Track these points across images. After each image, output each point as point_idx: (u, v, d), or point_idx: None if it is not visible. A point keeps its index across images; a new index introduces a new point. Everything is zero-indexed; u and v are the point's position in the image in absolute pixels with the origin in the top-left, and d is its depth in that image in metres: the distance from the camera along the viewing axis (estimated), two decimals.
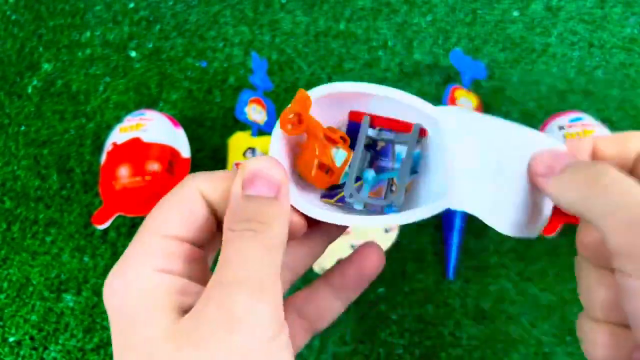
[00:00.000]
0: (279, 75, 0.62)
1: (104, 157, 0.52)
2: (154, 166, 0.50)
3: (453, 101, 0.54)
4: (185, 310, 0.20)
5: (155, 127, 0.52)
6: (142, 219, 0.54)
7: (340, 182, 0.29)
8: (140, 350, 0.19)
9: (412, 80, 0.61)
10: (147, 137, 0.51)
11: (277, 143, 0.28)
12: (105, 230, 0.54)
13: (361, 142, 0.28)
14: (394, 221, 0.27)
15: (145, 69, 0.64)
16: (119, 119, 0.60)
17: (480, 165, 0.27)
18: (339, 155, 0.28)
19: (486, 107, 0.58)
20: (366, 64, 0.62)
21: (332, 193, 0.29)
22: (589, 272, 0.23)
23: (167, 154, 0.51)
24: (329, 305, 0.28)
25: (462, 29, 0.64)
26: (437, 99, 0.59)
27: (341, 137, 0.28)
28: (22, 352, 0.49)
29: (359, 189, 0.28)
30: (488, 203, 0.26)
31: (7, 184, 0.58)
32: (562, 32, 0.63)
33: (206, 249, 0.24)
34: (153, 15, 0.68)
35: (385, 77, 0.61)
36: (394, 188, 0.28)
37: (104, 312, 0.51)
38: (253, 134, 0.54)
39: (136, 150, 0.50)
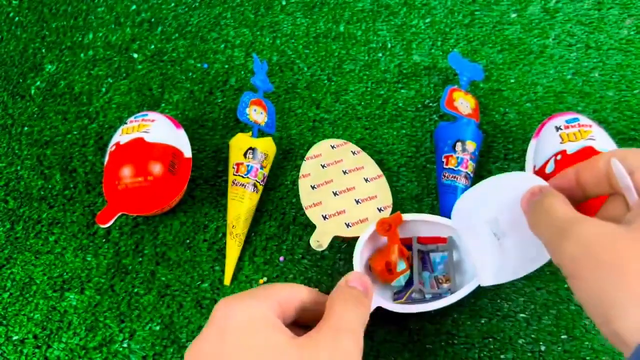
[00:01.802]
0: (279, 76, 0.63)
1: (107, 158, 0.53)
2: (156, 166, 0.51)
3: (451, 102, 0.55)
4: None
5: (157, 128, 0.53)
6: (144, 218, 0.55)
7: (394, 284, 0.46)
8: (267, 350, 0.29)
9: (410, 81, 0.62)
10: (149, 138, 0.52)
11: (367, 235, 0.47)
12: (108, 230, 0.55)
13: (415, 255, 0.47)
14: (450, 301, 0.44)
15: (147, 70, 0.64)
16: (121, 120, 0.61)
17: (481, 241, 0.43)
18: (401, 264, 0.45)
19: (484, 108, 0.59)
20: (365, 66, 0.63)
21: (399, 296, 0.46)
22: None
23: (169, 154, 0.52)
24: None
25: (460, 31, 0.65)
26: (435, 100, 0.60)
27: (407, 257, 0.46)
28: (25, 351, 0.50)
29: (423, 286, 0.46)
30: (506, 267, 0.41)
31: (11, 184, 0.59)
32: (560, 34, 0.63)
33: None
34: (155, 17, 0.68)
35: (384, 79, 0.62)
36: (441, 281, 0.46)
37: (107, 311, 0.51)
38: (254, 135, 0.55)
39: (139, 150, 0.51)
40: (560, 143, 0.49)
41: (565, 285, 0.49)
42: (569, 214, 0.30)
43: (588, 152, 0.46)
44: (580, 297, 0.27)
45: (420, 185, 0.55)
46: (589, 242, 0.26)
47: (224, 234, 0.54)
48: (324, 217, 0.50)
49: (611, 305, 0.24)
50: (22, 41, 0.67)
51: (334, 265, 0.51)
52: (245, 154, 0.54)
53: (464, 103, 0.55)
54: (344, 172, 0.53)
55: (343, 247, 0.52)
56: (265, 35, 0.66)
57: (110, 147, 0.53)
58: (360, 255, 0.46)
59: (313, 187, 0.52)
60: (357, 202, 0.51)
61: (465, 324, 0.48)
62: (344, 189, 0.52)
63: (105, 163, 0.53)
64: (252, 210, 0.53)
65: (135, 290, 0.52)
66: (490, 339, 0.48)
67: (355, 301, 0.34)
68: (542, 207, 0.32)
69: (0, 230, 0.56)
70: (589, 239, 0.26)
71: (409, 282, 0.46)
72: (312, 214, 0.50)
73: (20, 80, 0.65)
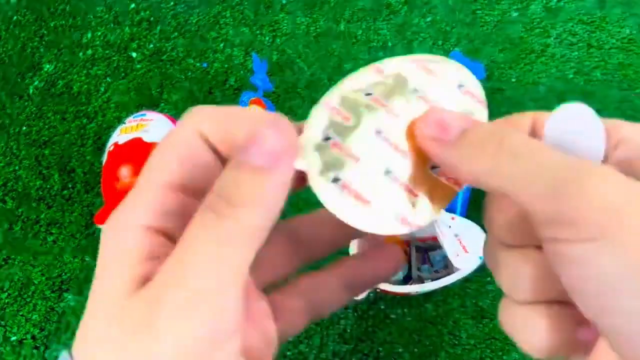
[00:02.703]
0: (279, 76, 0.63)
1: (105, 158, 0.52)
2: None
3: None
4: (147, 279, 0.18)
5: (156, 128, 0.53)
6: None
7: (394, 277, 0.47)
8: (96, 310, 0.17)
9: None
10: (148, 138, 0.51)
11: None
12: None
13: (413, 253, 0.50)
14: (448, 281, 0.46)
15: (146, 69, 0.64)
16: (120, 120, 0.60)
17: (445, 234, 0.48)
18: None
19: None
20: (366, 65, 0.62)
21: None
22: (508, 252, 0.21)
23: None
24: (335, 296, 0.25)
25: (461, 30, 0.64)
26: None
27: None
28: (23, 352, 0.50)
29: (421, 273, 0.50)
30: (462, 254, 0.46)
31: (9, 184, 0.58)
32: (561, 33, 0.63)
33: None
34: (154, 16, 0.68)
35: None
36: (441, 273, 0.48)
37: None
38: None
39: (137, 150, 0.50)
40: None
41: None
42: (564, 158, 0.17)
43: None
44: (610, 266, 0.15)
45: None
46: (615, 204, 0.15)
47: None
48: None
49: None
50: (21, 40, 0.67)
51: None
52: None
53: None
54: None
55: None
56: (265, 34, 0.66)
57: (109, 146, 0.52)
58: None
59: None
60: None
61: (467, 325, 0.48)
62: None
63: (103, 163, 0.52)
64: None
65: None
66: (492, 340, 0.47)
67: (221, 217, 0.17)
68: (508, 149, 0.18)
69: None
70: (615, 200, 0.15)
71: (407, 277, 0.47)
72: None
73: (19, 80, 0.64)
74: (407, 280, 0.47)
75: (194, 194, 0.19)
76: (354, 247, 0.45)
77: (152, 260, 0.18)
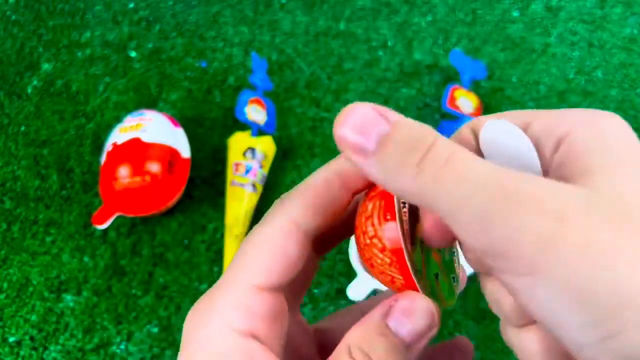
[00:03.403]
0: (278, 75, 0.62)
1: (104, 157, 0.52)
2: (154, 166, 0.50)
3: (453, 101, 0.54)
4: None
5: (155, 128, 0.52)
6: (141, 219, 0.54)
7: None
8: None
9: (411, 80, 0.61)
10: (146, 137, 0.51)
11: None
12: (105, 231, 0.54)
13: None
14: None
15: (145, 69, 0.64)
16: (118, 119, 0.60)
17: None
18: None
19: (486, 107, 0.58)
20: (366, 64, 0.62)
21: None
22: (484, 278, 0.19)
23: (167, 154, 0.51)
24: None
25: (462, 29, 0.64)
26: (437, 99, 0.59)
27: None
28: (22, 352, 0.49)
29: None
30: None
31: (7, 184, 0.58)
32: (562, 32, 0.63)
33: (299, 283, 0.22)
34: (153, 15, 0.68)
35: (385, 77, 0.61)
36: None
37: (104, 312, 0.51)
38: (253, 134, 0.54)
39: (136, 150, 0.50)
40: None
41: None
42: (493, 168, 0.16)
43: None
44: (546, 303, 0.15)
45: None
46: (544, 237, 0.14)
47: (223, 235, 0.53)
48: None
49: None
50: (19, 40, 0.67)
51: (335, 267, 0.51)
52: (244, 154, 0.53)
53: (465, 102, 0.55)
54: None
55: (345, 247, 0.52)
56: (264, 33, 0.65)
57: (108, 146, 0.52)
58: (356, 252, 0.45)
59: None
60: None
61: (468, 326, 0.48)
62: None
63: (102, 163, 0.52)
64: (251, 211, 0.53)
65: (133, 291, 0.51)
66: (493, 341, 0.47)
67: None
68: (431, 162, 0.16)
69: None
70: (559, 209, 0.14)
71: None
72: None
73: (17, 80, 0.64)
74: None
75: (280, 288, 0.19)
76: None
77: None
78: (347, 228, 0.22)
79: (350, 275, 0.50)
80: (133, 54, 0.65)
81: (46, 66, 0.65)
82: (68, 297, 0.52)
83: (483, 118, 0.19)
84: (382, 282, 0.20)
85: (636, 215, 0.14)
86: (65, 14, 0.68)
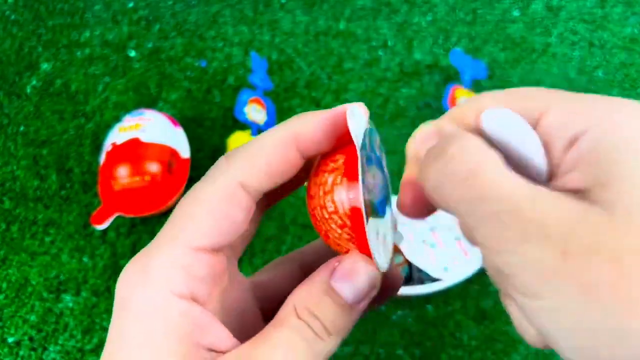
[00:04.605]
0: (278, 74, 0.62)
1: (103, 157, 0.52)
2: (153, 166, 0.50)
3: (453, 101, 0.54)
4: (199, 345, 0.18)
5: (154, 127, 0.52)
6: (141, 219, 0.54)
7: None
8: None
9: (412, 80, 0.61)
10: (146, 137, 0.51)
11: None
12: (105, 231, 0.54)
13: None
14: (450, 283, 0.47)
15: (144, 68, 0.63)
16: (118, 119, 0.60)
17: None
18: (397, 257, 0.45)
19: None
20: (366, 64, 0.62)
21: None
22: (507, 302, 0.18)
23: (167, 154, 0.51)
24: None
25: (462, 29, 0.64)
26: (437, 99, 0.59)
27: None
28: (21, 353, 0.49)
29: (421, 274, 0.47)
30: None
31: (7, 184, 0.58)
32: (563, 32, 0.63)
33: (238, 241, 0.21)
34: (152, 14, 0.67)
35: (385, 77, 0.61)
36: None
37: (104, 313, 0.50)
38: (253, 134, 0.54)
39: (135, 150, 0.50)
40: None
41: None
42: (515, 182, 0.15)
43: None
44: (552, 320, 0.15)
45: None
46: (563, 246, 0.14)
47: None
48: None
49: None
50: (18, 39, 0.67)
51: None
52: None
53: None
54: None
55: None
56: (264, 33, 0.65)
57: (107, 146, 0.52)
58: None
59: None
60: None
61: (468, 327, 0.47)
62: None
63: (101, 163, 0.52)
64: None
65: None
66: (494, 341, 0.47)
67: (315, 337, 0.18)
68: (459, 175, 0.16)
69: None
70: (563, 239, 0.14)
71: (407, 279, 0.46)
72: None
73: (16, 79, 0.64)
74: (407, 281, 0.46)
75: (220, 249, 0.19)
76: None
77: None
78: (293, 184, 0.22)
79: None
80: (132, 53, 0.65)
81: (45, 66, 0.65)
82: (67, 298, 0.51)
83: (486, 99, 0.18)
84: (334, 249, 0.20)
85: None
86: (64, 13, 0.68)
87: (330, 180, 0.19)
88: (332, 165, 0.19)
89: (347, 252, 0.19)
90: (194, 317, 0.18)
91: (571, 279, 0.14)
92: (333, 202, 0.19)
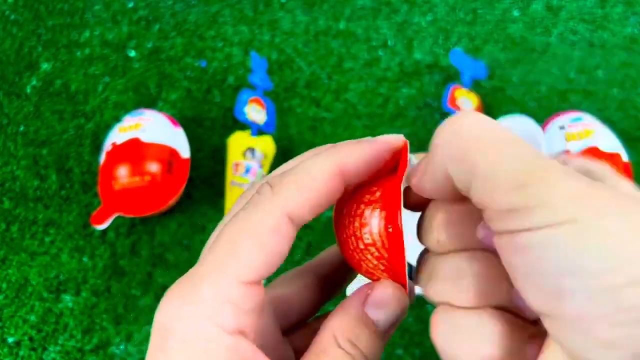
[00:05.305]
0: (278, 74, 0.62)
1: (103, 157, 0.52)
2: (153, 166, 0.50)
3: (453, 101, 0.54)
4: None
5: (154, 127, 0.52)
6: (141, 219, 0.54)
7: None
8: None
9: (412, 79, 0.61)
10: (146, 137, 0.51)
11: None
12: (105, 231, 0.54)
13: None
14: None
15: (144, 68, 0.63)
16: (118, 119, 0.60)
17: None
18: None
19: (486, 107, 0.58)
20: (366, 64, 0.62)
21: None
22: (452, 255, 0.20)
23: (166, 154, 0.51)
24: None
25: (462, 29, 0.64)
26: (437, 99, 0.59)
27: None
28: (21, 353, 0.49)
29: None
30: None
31: (6, 184, 0.58)
32: (563, 32, 0.63)
33: None
34: (152, 14, 0.67)
35: (385, 77, 0.61)
36: None
37: (103, 313, 0.50)
38: (253, 134, 0.54)
39: (135, 150, 0.50)
40: (565, 142, 0.48)
41: None
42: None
43: (592, 152, 0.46)
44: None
45: None
46: (581, 193, 0.15)
47: None
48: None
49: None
50: (18, 39, 0.67)
51: None
52: (244, 153, 0.53)
53: (466, 102, 0.55)
54: None
55: None
56: (264, 33, 0.65)
57: (107, 146, 0.52)
58: None
59: None
60: None
61: None
62: None
63: (101, 163, 0.52)
64: None
65: (132, 292, 0.51)
66: None
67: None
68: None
69: None
70: (579, 190, 0.15)
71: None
72: None
73: (16, 79, 0.64)
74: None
75: (263, 279, 0.19)
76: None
77: None
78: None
79: None
80: (132, 53, 0.65)
81: (45, 66, 0.64)
82: (67, 298, 0.51)
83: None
84: (364, 276, 0.21)
85: None
86: (64, 13, 0.68)
87: (367, 212, 0.19)
88: (368, 197, 0.19)
89: (377, 279, 0.20)
90: (240, 352, 0.18)
91: (568, 321, 0.15)
92: (371, 234, 0.19)
